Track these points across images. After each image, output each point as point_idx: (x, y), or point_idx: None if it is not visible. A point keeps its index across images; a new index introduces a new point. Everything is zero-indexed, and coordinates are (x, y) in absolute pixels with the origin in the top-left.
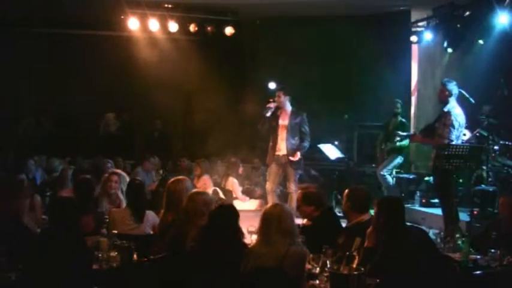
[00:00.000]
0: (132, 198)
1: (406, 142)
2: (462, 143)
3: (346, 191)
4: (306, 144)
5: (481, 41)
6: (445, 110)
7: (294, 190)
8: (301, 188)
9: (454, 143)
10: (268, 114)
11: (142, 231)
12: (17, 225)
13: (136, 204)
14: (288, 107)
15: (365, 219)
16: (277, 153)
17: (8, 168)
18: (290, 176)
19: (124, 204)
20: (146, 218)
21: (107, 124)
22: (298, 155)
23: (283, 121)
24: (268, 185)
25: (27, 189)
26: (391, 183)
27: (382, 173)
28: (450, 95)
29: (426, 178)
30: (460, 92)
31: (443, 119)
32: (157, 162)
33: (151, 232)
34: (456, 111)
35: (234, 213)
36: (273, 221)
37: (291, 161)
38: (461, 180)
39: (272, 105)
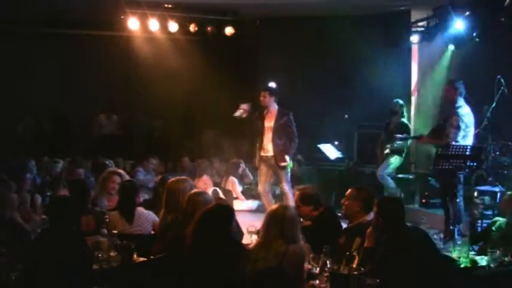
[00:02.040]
0: (123, 199)
1: (408, 143)
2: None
3: (355, 191)
4: (294, 144)
5: (477, 39)
6: (453, 110)
7: (287, 190)
8: (299, 188)
9: (460, 143)
10: (245, 115)
11: (138, 231)
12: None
13: (126, 205)
14: (274, 108)
15: (367, 220)
16: (264, 154)
17: (8, 168)
18: (281, 176)
19: None
20: (144, 218)
21: (99, 125)
22: (287, 159)
23: (269, 122)
24: (260, 187)
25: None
26: (391, 184)
27: (381, 174)
28: (458, 94)
29: (426, 178)
30: None
31: (450, 120)
32: (158, 163)
33: (152, 232)
34: (463, 111)
35: (225, 213)
36: (276, 223)
37: (281, 166)
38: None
39: (244, 106)
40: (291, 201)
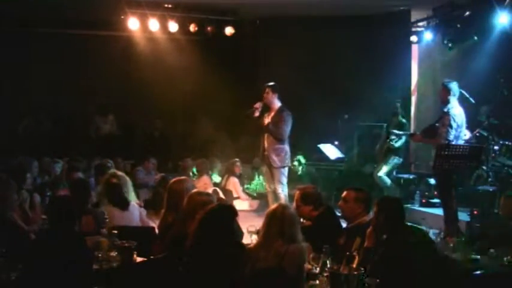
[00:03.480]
0: (113, 196)
1: (402, 142)
2: (464, 142)
3: (355, 193)
4: (278, 142)
5: (475, 37)
6: (445, 110)
7: (279, 191)
8: (299, 188)
9: (453, 143)
10: (256, 114)
11: (130, 218)
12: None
13: (115, 199)
14: (276, 105)
15: (366, 220)
16: (265, 152)
17: (8, 168)
18: (273, 176)
19: None
20: (133, 206)
21: (95, 126)
22: (276, 160)
23: (268, 119)
24: (267, 185)
25: (11, 186)
26: (388, 184)
27: (378, 174)
28: (451, 95)
29: (426, 178)
30: (460, 92)
31: (443, 119)
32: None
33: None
34: (455, 111)
35: (228, 213)
36: (276, 222)
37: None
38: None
39: (257, 105)
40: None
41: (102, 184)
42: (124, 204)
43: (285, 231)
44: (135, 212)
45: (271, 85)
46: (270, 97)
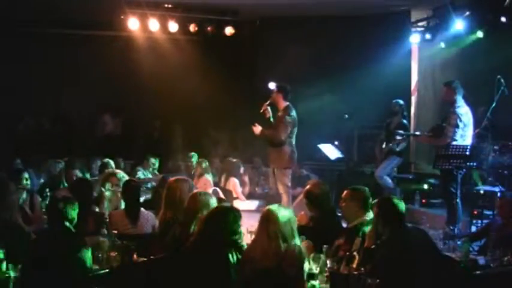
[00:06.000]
0: (128, 199)
1: (404, 146)
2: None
3: (351, 192)
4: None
5: (480, 34)
6: (451, 109)
7: (282, 191)
8: (311, 183)
9: (458, 142)
10: (268, 115)
11: (140, 231)
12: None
13: (131, 205)
14: (281, 105)
15: (366, 220)
16: (269, 154)
17: (7, 168)
18: (277, 176)
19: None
20: (145, 219)
21: (104, 125)
22: (258, 128)
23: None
24: (273, 186)
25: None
26: (390, 185)
27: (380, 174)
28: (456, 94)
29: (426, 178)
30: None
31: (449, 119)
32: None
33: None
34: (461, 110)
35: (233, 215)
36: (267, 224)
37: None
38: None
39: (265, 106)
40: (286, 204)
41: (100, 184)
42: (135, 216)
43: (280, 232)
44: (148, 226)
45: (278, 85)
46: (276, 97)
